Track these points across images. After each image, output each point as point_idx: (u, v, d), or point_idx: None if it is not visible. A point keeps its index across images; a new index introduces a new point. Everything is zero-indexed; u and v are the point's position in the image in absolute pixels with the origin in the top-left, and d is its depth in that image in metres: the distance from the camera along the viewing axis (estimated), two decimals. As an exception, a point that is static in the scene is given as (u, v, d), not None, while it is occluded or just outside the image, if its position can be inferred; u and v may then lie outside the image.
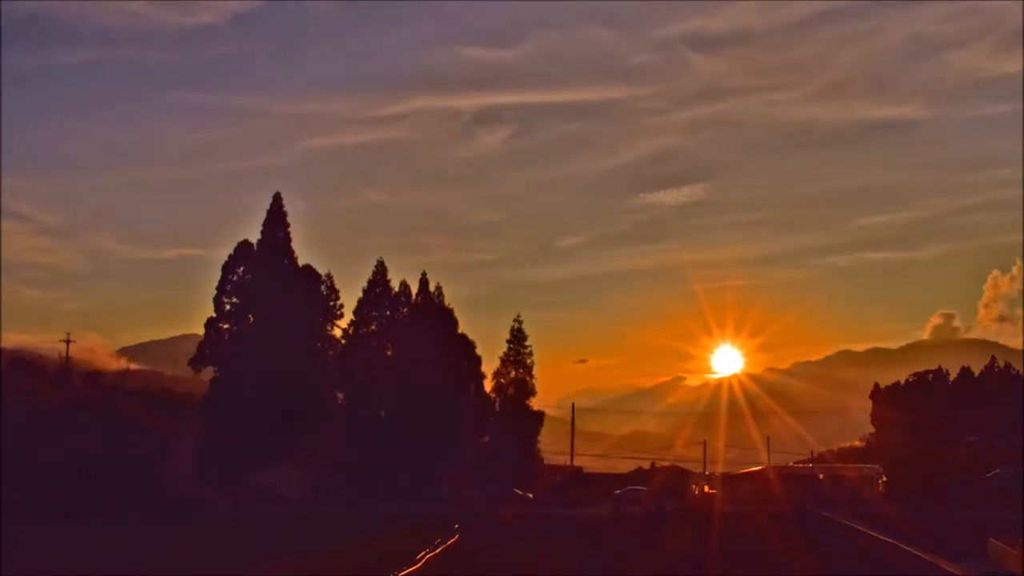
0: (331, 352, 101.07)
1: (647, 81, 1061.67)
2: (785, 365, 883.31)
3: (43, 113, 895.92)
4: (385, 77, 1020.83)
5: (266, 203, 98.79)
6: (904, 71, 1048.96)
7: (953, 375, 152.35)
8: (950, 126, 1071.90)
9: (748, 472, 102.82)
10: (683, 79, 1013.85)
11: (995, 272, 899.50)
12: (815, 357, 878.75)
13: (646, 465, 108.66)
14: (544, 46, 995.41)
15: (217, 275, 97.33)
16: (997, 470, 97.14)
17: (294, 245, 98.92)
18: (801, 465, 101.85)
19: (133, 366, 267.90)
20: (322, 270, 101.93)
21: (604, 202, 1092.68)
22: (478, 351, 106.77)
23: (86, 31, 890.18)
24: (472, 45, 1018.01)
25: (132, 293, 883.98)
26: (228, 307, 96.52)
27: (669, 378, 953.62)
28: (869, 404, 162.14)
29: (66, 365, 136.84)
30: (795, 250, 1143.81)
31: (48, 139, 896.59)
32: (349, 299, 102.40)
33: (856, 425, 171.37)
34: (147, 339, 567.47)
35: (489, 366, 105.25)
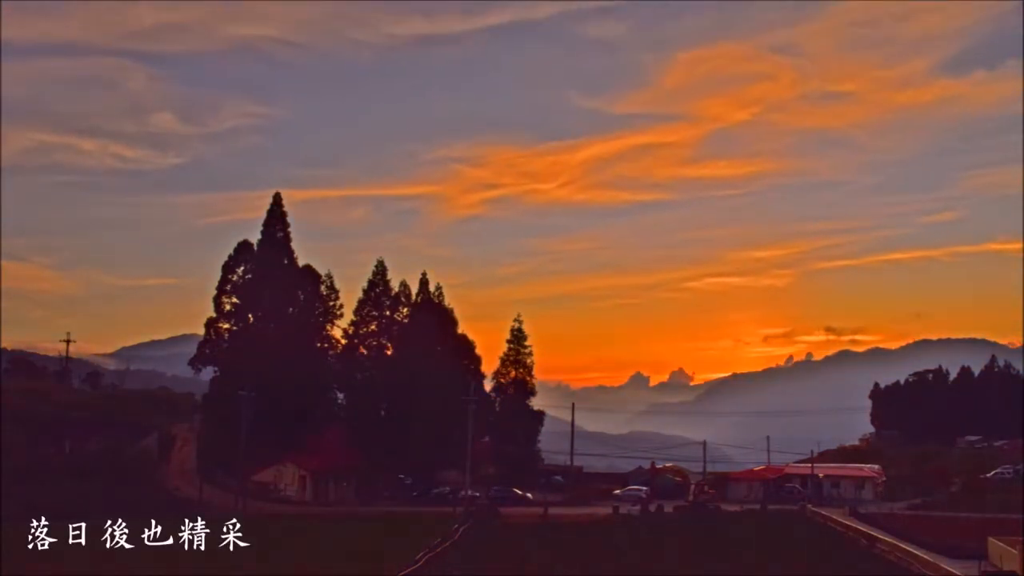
0: (331, 352, 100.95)
1: (439, 182, 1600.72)
2: (786, 365, 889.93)
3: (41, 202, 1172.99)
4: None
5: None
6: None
7: (953, 375, 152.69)
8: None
9: (748, 472, 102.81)
10: (461, 180, 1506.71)
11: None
12: (816, 357, 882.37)
13: (646, 465, 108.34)
14: (363, 163, 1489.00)
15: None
16: (997, 470, 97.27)
17: (294, 245, 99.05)
18: (801, 465, 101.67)
19: (133, 366, 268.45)
20: (322, 270, 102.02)
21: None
22: (478, 351, 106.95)
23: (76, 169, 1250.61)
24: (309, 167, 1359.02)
25: (126, 305, 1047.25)
26: (228, 307, 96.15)
27: (669, 378, 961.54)
28: (869, 404, 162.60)
29: (66, 365, 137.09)
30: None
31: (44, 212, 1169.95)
32: (349, 299, 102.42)
33: (856, 425, 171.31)
34: (147, 339, 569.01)
35: (489, 366, 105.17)
